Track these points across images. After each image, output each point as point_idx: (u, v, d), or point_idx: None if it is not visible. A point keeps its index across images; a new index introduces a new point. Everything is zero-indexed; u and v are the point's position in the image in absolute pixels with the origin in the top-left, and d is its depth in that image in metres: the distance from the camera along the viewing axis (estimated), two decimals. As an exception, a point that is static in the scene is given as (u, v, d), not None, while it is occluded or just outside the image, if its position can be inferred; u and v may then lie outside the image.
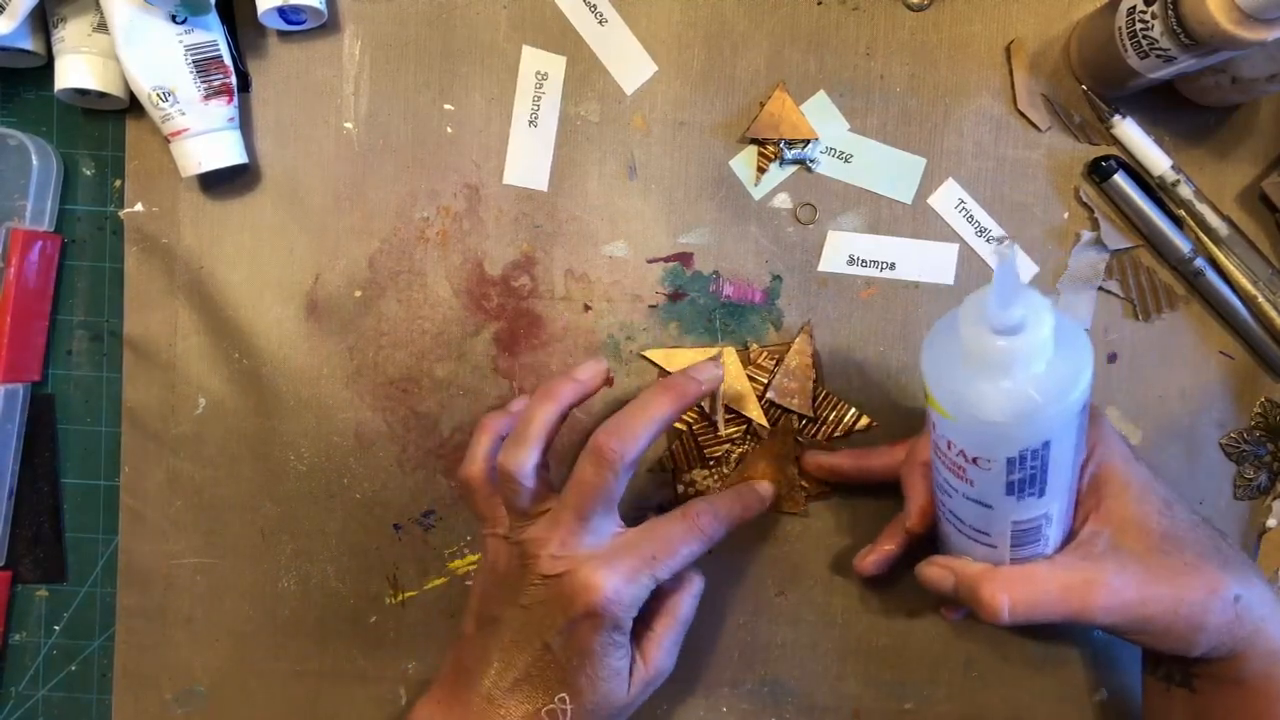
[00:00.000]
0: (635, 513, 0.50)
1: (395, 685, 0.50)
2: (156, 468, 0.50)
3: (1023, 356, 0.32)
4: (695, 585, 0.44)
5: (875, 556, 0.46)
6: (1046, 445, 0.34)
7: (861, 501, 0.50)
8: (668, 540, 0.41)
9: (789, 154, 0.48)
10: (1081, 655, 0.51)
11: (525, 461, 0.41)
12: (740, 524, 0.45)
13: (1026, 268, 0.49)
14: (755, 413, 0.49)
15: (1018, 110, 0.49)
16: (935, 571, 0.42)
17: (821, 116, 0.49)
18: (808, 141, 0.48)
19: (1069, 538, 0.40)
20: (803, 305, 0.49)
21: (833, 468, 0.48)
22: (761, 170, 0.49)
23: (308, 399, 0.49)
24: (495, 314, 0.49)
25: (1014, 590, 0.38)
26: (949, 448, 0.36)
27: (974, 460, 0.35)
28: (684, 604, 0.44)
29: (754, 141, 0.49)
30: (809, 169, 0.49)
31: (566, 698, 0.41)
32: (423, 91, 0.49)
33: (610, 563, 0.40)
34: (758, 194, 0.49)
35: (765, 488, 0.47)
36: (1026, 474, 0.35)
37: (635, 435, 0.40)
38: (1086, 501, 0.40)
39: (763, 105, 0.48)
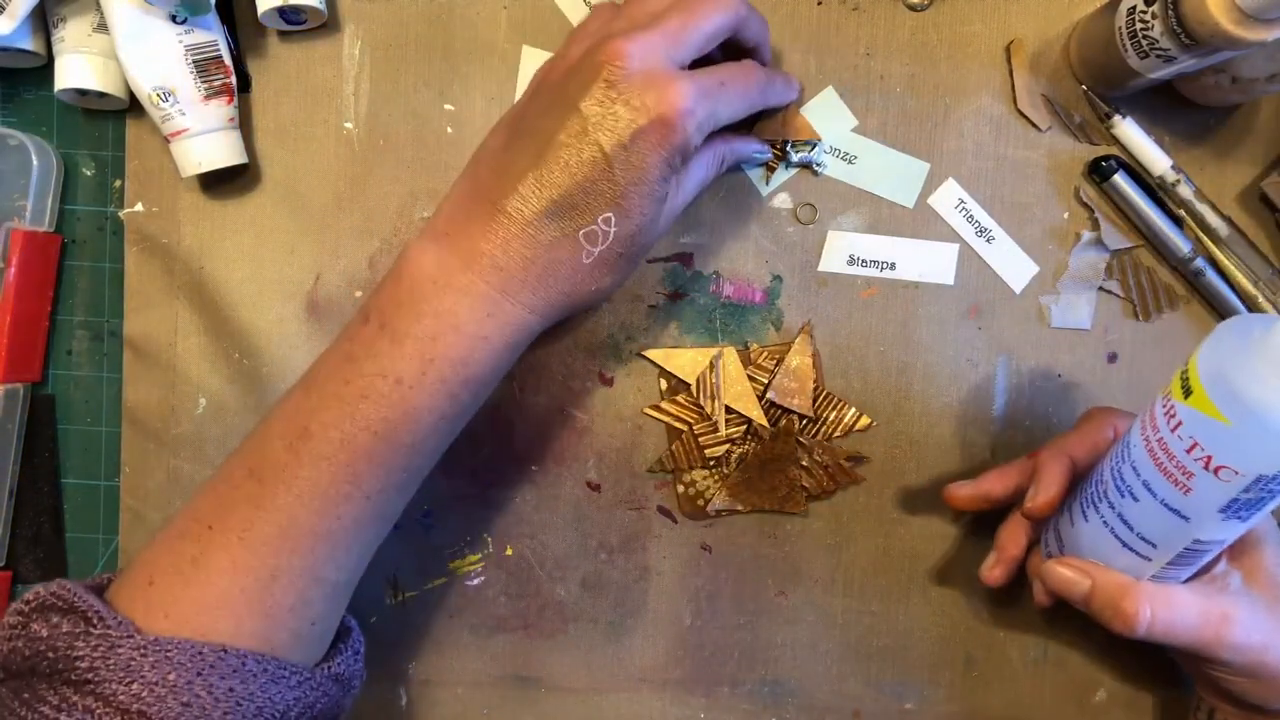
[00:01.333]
0: (635, 513, 0.50)
1: (395, 685, 0.50)
2: (156, 468, 0.50)
3: None
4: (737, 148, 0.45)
5: (1003, 568, 0.46)
6: None
7: (861, 503, 0.50)
8: (739, 71, 0.41)
9: (794, 157, 0.48)
10: (1081, 655, 0.51)
11: None
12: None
13: (1027, 268, 0.49)
14: (755, 413, 0.49)
15: (1018, 110, 0.49)
16: (1070, 574, 0.41)
17: (829, 113, 0.49)
18: (814, 145, 0.48)
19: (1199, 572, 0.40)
20: (803, 305, 0.49)
21: (986, 495, 0.45)
22: (771, 169, 0.49)
23: (308, 399, 0.49)
24: (495, 314, 0.49)
25: (1157, 607, 0.38)
26: (1189, 451, 0.34)
27: (1216, 469, 0.34)
28: (734, 147, 0.45)
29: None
30: (815, 173, 0.49)
31: (613, 218, 0.37)
32: (423, 91, 0.49)
33: (693, 78, 0.38)
34: (766, 190, 0.49)
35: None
36: (1259, 496, 0.34)
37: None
38: None
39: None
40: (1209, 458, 0.34)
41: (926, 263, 0.49)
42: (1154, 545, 0.38)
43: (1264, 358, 0.32)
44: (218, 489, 0.38)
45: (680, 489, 0.50)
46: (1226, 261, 0.48)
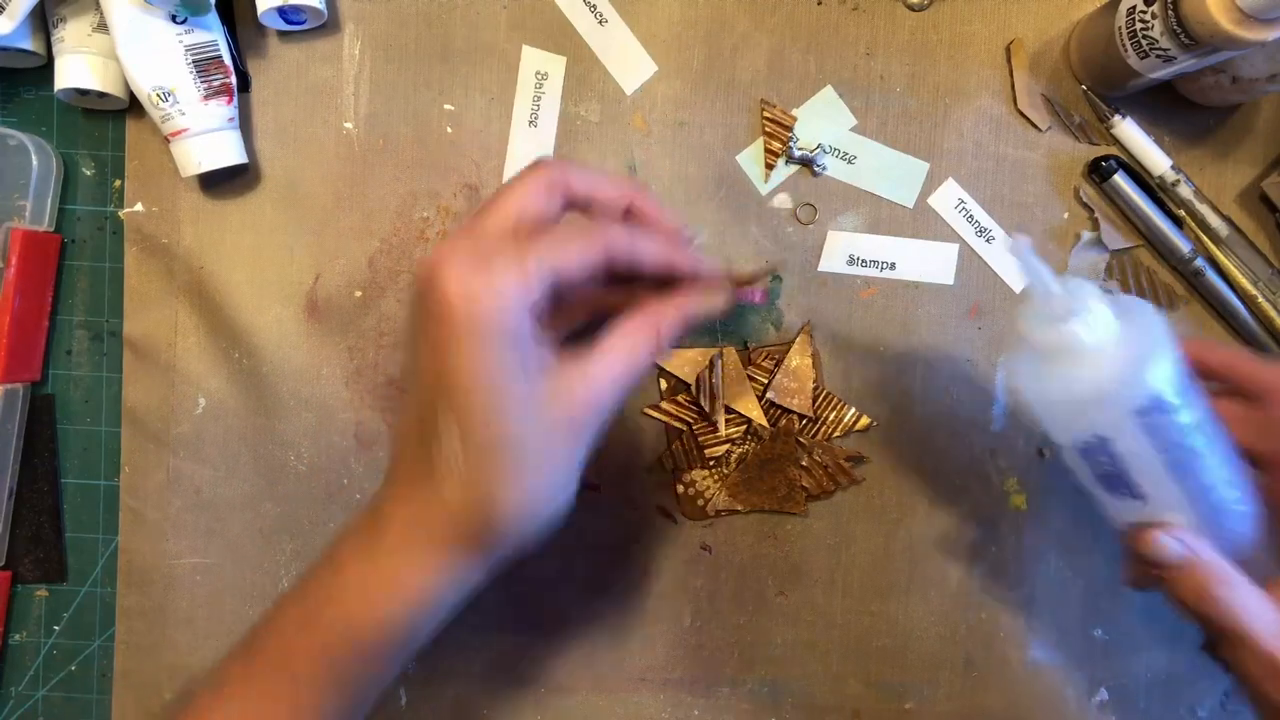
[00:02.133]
0: (635, 513, 0.50)
1: (395, 685, 0.50)
2: (156, 468, 0.50)
3: (1065, 347, 0.33)
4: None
5: None
6: (1104, 440, 0.34)
7: (861, 503, 0.50)
8: (569, 224, 0.33)
9: (796, 152, 0.48)
10: (1081, 655, 0.51)
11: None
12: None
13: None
14: (755, 413, 0.49)
15: (1018, 110, 0.49)
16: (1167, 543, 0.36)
17: (828, 112, 0.49)
18: (818, 145, 0.48)
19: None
20: (803, 305, 0.49)
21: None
22: (770, 166, 0.49)
23: (308, 399, 0.49)
24: (495, 314, 0.49)
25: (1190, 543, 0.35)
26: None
27: (1047, 451, 0.38)
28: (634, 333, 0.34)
29: (766, 134, 0.49)
30: (815, 173, 0.49)
31: (454, 427, 0.31)
32: (423, 91, 0.49)
33: (467, 236, 0.32)
34: (766, 189, 0.49)
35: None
36: (1104, 470, 0.35)
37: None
38: None
39: (762, 104, 0.48)
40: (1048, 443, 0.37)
41: (926, 263, 0.49)
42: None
43: (1018, 358, 0.35)
44: None
45: (680, 489, 0.50)
46: (1226, 261, 0.48)
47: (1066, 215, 0.49)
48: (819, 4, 0.48)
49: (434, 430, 0.32)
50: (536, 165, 0.35)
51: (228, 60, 0.46)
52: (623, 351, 0.34)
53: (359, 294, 0.49)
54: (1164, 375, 0.33)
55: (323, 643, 0.34)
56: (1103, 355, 0.33)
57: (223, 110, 0.46)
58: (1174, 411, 0.33)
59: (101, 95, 0.46)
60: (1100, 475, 0.36)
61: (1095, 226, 0.49)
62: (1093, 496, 0.38)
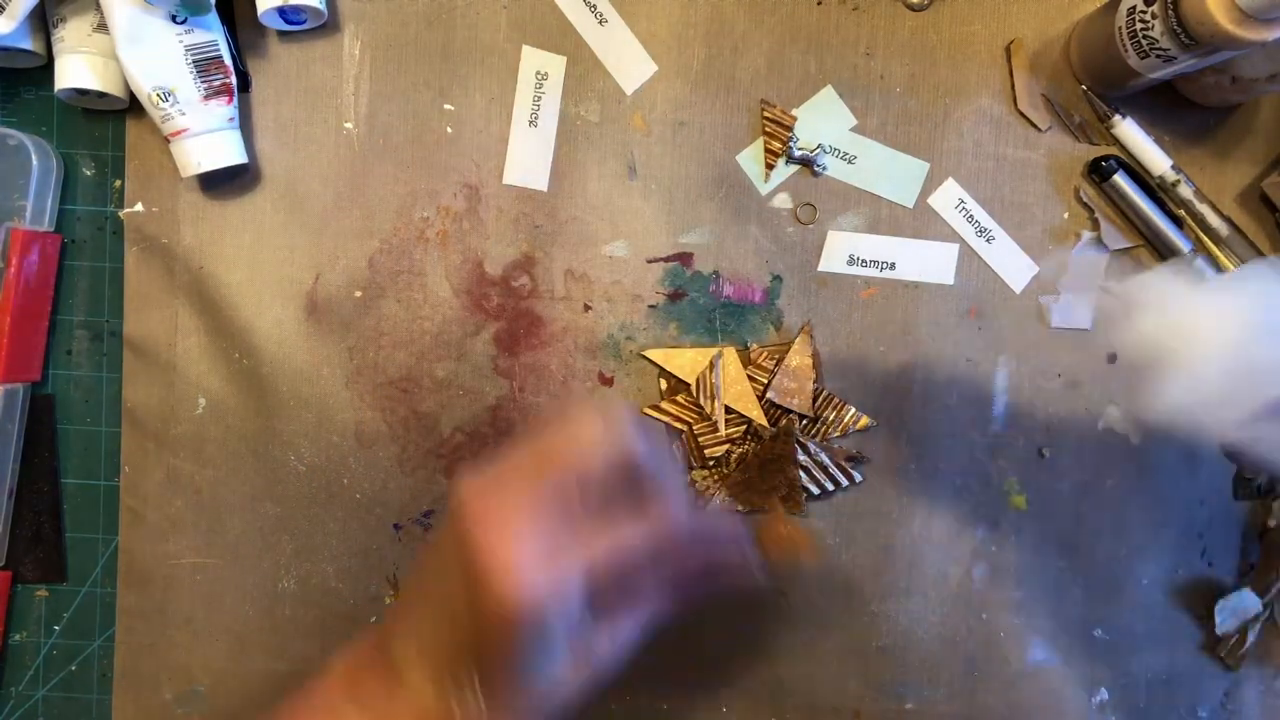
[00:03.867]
0: (635, 513, 0.50)
1: None
2: (156, 468, 0.50)
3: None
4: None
5: None
6: None
7: (861, 503, 0.50)
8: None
9: (796, 152, 0.48)
10: (1081, 655, 0.51)
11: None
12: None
13: (1027, 268, 0.49)
14: (755, 413, 0.49)
15: (1018, 110, 0.49)
16: None
17: (828, 111, 0.49)
18: (818, 145, 0.48)
19: None
20: (803, 305, 0.49)
21: None
22: (770, 166, 0.49)
23: (308, 399, 0.49)
24: (495, 314, 0.49)
25: None
26: None
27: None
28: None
29: (766, 134, 0.49)
30: (815, 173, 0.49)
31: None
32: (423, 91, 0.49)
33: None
34: (766, 189, 0.49)
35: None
36: None
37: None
38: None
39: (763, 104, 0.48)
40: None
41: (926, 263, 0.49)
42: None
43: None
44: None
45: (680, 489, 0.50)
46: (1226, 261, 0.48)
47: (1066, 215, 0.49)
48: (819, 4, 0.48)
49: (459, 678, 0.34)
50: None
51: (228, 60, 0.46)
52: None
53: (359, 294, 0.49)
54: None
55: None
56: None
57: (223, 110, 0.46)
58: None
59: (101, 95, 0.46)
60: None
61: (1095, 226, 0.49)
62: None
